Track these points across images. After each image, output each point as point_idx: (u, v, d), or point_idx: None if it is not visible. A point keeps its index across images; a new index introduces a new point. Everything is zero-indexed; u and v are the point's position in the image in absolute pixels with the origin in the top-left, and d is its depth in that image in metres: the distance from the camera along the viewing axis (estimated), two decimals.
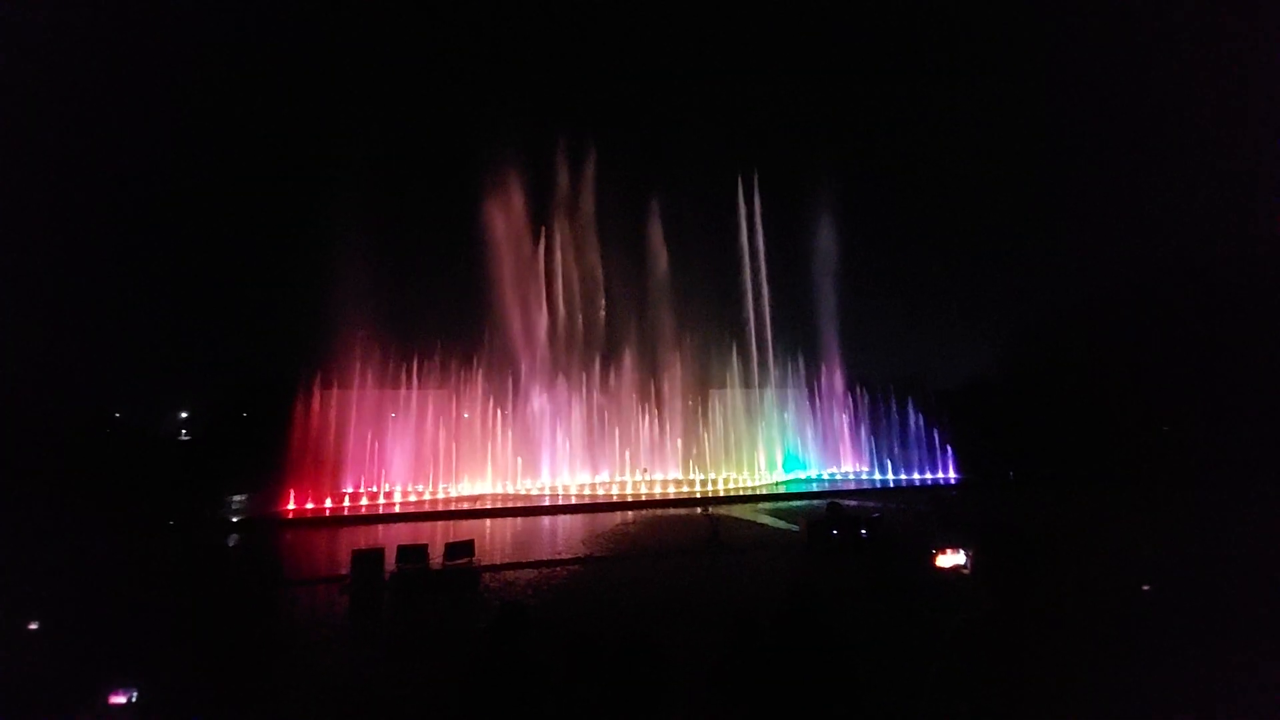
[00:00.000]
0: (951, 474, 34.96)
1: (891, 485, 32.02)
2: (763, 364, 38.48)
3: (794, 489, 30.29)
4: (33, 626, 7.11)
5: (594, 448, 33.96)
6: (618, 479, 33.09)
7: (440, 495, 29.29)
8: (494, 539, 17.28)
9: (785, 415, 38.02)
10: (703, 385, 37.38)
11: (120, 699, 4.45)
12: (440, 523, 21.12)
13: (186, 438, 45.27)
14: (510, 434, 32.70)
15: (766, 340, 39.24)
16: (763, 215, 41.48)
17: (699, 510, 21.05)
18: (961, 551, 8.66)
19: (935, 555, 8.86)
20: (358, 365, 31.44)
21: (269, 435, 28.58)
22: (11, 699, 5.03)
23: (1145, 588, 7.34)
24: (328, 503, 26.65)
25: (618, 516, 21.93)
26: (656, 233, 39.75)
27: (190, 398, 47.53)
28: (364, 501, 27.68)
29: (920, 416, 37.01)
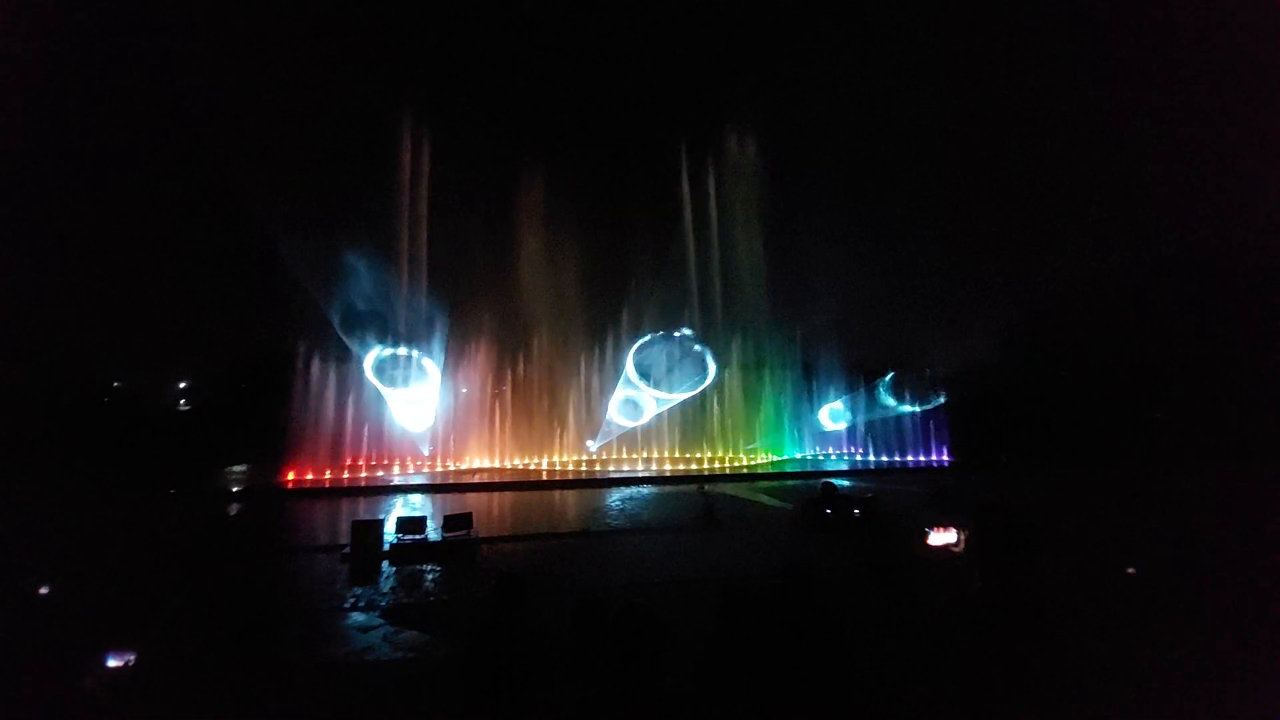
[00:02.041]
0: (945, 456, 35.27)
1: (886, 466, 32.34)
2: (759, 344, 38.34)
3: (789, 469, 30.58)
4: (43, 591, 7.19)
5: (590, 425, 34.10)
6: (614, 456, 33.34)
7: (439, 469, 29.53)
8: (491, 512, 17.47)
9: (781, 396, 38.11)
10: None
11: (118, 662, 4.54)
12: (439, 496, 21.33)
13: (186, 408, 45.33)
14: (507, 410, 32.82)
15: (764, 321, 38.98)
16: (761, 197, 40.71)
17: (694, 488, 21.25)
18: (953, 530, 8.78)
19: (928, 534, 8.98)
20: (358, 339, 31.31)
21: (269, 406, 28.64)
22: (18, 660, 5.12)
23: (1130, 570, 7.43)
24: (327, 474, 26.87)
25: (614, 493, 22.17)
26: (646, 209, 38.95)
27: (190, 368, 47.35)
28: (363, 474, 27.92)
29: (916, 399, 37.16)
